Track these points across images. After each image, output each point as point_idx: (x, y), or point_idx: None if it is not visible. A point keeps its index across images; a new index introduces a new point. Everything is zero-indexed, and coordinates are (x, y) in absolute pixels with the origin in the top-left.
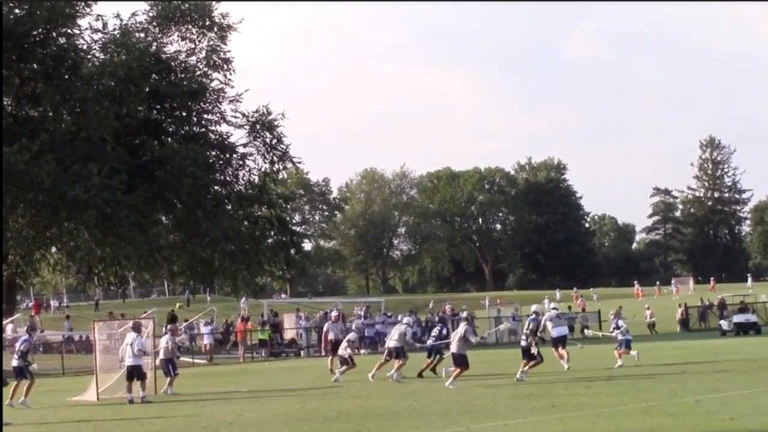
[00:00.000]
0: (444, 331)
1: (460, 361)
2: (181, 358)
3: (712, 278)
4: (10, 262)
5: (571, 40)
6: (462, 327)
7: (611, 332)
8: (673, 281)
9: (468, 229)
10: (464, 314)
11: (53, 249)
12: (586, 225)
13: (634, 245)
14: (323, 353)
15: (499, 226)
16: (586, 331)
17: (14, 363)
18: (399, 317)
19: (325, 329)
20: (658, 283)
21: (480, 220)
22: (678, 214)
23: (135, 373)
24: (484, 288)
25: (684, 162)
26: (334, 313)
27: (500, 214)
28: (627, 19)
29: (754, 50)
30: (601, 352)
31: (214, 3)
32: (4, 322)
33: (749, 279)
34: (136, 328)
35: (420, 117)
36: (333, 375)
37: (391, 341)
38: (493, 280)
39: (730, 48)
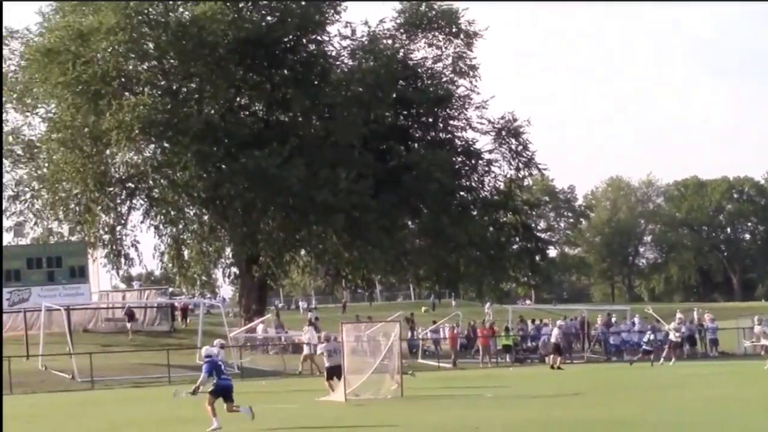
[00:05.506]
0: None
1: None
2: (426, 362)
3: None
4: (261, 263)
5: None
6: None
7: None
8: None
9: (716, 239)
10: None
11: (302, 251)
12: None
13: None
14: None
15: (748, 236)
16: None
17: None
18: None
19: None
20: None
21: (728, 229)
22: None
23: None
24: (732, 298)
25: None
26: (559, 321)
27: (749, 224)
28: None
29: None
30: None
31: (460, 10)
32: (255, 322)
33: None
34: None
35: (667, 125)
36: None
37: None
38: (742, 290)
39: None
